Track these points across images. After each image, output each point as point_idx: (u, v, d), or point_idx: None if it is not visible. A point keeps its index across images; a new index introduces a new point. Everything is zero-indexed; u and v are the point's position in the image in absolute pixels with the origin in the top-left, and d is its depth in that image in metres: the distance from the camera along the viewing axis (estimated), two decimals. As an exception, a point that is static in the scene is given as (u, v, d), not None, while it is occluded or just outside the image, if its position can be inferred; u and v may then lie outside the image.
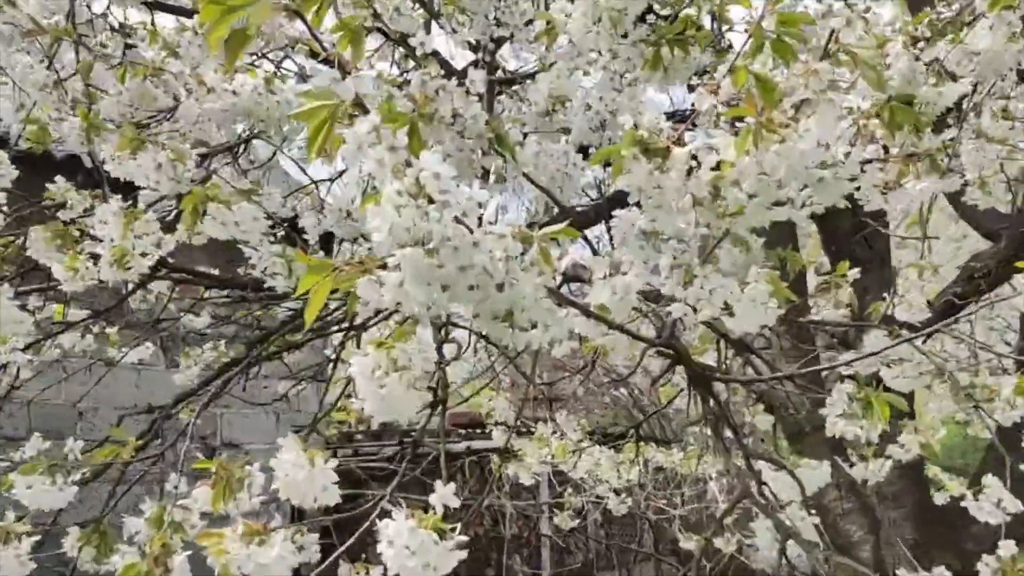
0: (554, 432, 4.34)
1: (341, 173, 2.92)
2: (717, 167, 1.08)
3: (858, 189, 1.28)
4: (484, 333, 1.12)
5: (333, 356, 1.77)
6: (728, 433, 1.48)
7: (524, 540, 6.67)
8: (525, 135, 1.29)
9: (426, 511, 0.95)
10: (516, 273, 0.87)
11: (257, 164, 2.42)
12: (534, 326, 1.07)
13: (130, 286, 2.57)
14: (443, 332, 1.33)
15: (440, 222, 0.87)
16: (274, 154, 2.43)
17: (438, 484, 0.90)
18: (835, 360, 2.99)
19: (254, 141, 2.73)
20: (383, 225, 0.93)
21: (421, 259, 0.90)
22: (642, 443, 4.85)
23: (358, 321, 1.75)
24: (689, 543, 4.59)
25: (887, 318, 2.57)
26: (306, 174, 2.46)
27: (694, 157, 1.07)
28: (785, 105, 1.03)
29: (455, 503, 0.89)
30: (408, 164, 0.90)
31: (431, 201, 0.88)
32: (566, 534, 6.56)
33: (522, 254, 0.90)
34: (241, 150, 2.14)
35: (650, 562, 7.31)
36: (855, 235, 3.50)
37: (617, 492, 4.79)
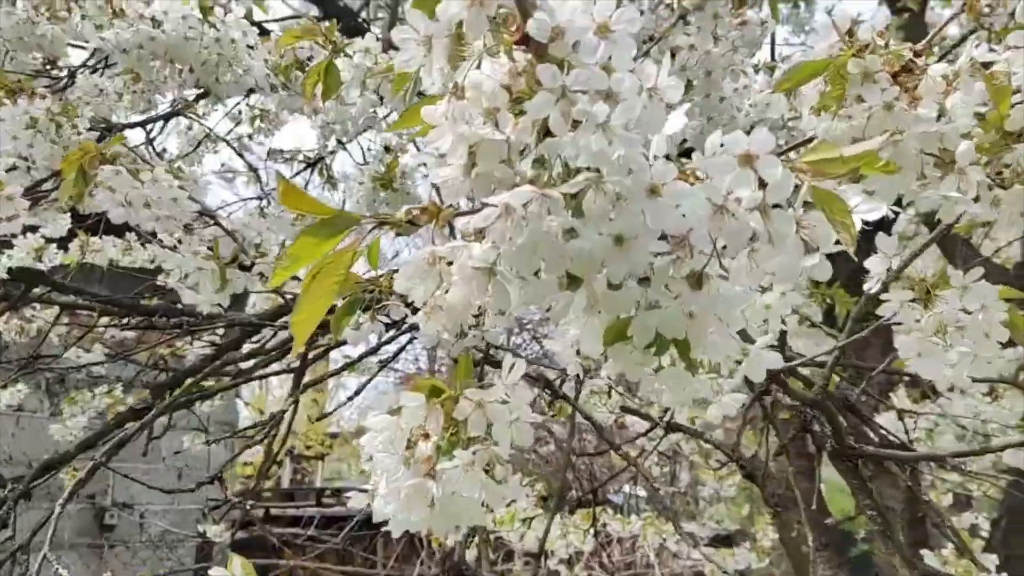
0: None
1: (263, 196, 2.41)
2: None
3: None
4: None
5: (286, 405, 1.27)
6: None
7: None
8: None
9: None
10: (782, 237, 0.40)
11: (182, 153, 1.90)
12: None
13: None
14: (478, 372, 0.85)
15: (605, 133, 0.40)
16: (198, 144, 1.91)
17: None
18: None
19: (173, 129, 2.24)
20: (455, 146, 0.45)
21: (543, 217, 0.43)
22: (598, 508, 4.37)
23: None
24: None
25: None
26: (247, 163, 1.95)
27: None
28: None
29: None
30: (527, 9, 0.43)
31: (562, 94, 0.41)
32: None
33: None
34: (159, 128, 1.63)
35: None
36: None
37: (569, 563, 4.30)
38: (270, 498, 5.88)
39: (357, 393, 1.83)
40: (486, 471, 0.51)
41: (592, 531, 4.31)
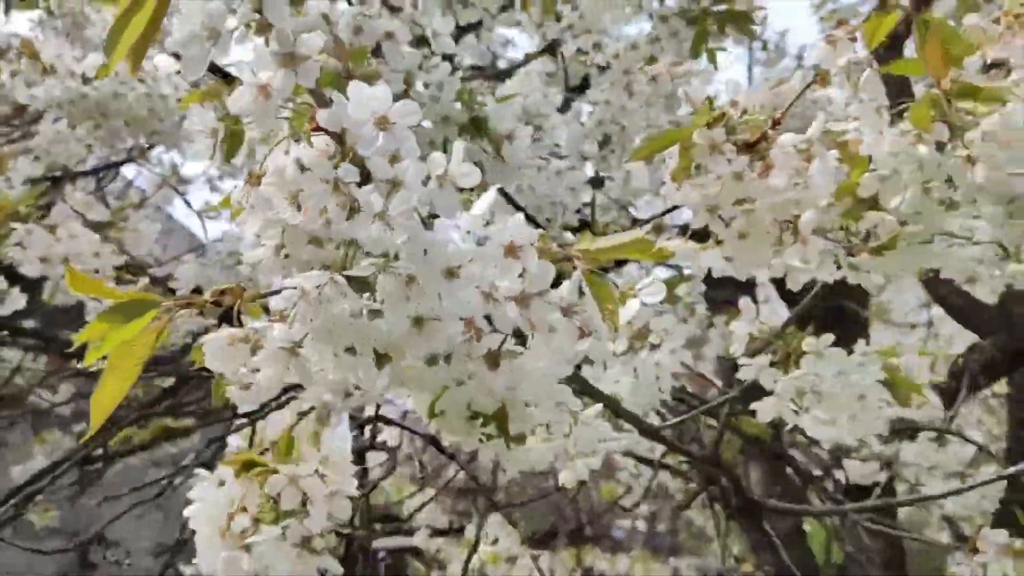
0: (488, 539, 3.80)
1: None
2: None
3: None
4: (438, 437, 0.65)
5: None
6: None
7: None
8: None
9: None
10: (542, 325, 0.42)
11: (129, 201, 1.93)
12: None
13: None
14: (367, 430, 0.86)
15: (382, 220, 0.42)
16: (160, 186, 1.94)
17: None
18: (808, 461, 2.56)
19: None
20: (264, 229, 0.47)
21: (337, 297, 0.44)
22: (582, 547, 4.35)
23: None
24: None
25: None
26: (201, 217, 1.98)
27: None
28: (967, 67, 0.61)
29: None
30: (322, 100, 0.45)
31: (365, 178, 0.43)
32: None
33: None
34: (111, 177, 1.66)
35: None
36: (834, 318, 3.13)
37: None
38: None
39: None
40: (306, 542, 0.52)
41: (579, 571, 4.28)
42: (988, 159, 0.56)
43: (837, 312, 3.11)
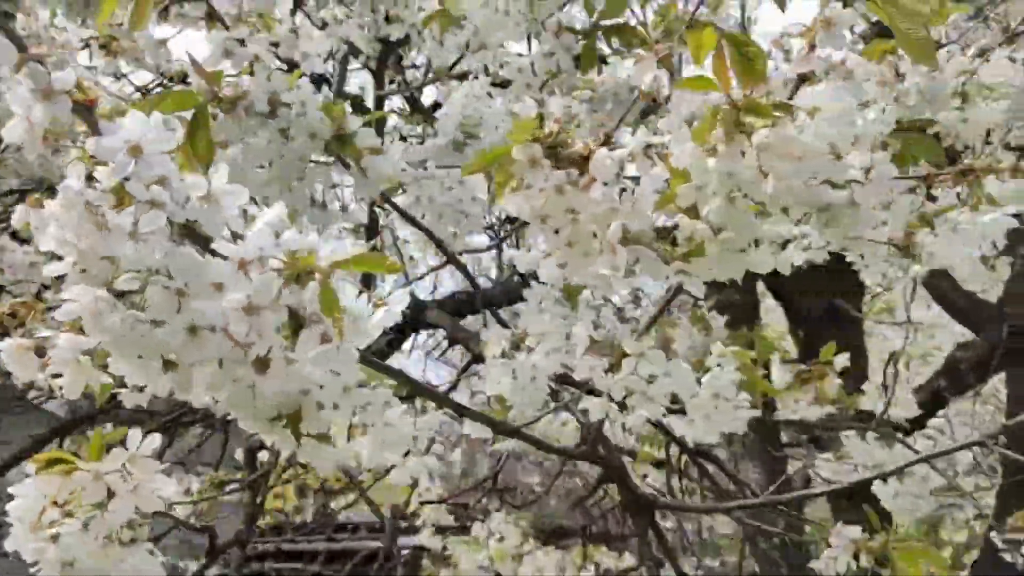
0: (491, 535, 3.84)
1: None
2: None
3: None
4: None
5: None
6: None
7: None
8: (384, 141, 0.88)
9: None
10: (264, 337, 0.46)
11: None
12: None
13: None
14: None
15: (134, 239, 0.46)
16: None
17: None
18: (806, 463, 2.57)
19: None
20: (60, 247, 0.51)
21: (109, 310, 0.48)
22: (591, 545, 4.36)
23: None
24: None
25: (864, 414, 2.18)
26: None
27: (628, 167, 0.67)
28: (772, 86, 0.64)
29: None
30: (96, 129, 0.49)
31: (120, 197, 0.47)
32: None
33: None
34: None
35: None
36: (828, 318, 3.13)
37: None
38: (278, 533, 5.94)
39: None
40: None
41: (584, 568, 4.29)
42: (773, 170, 0.58)
43: (832, 312, 3.11)
